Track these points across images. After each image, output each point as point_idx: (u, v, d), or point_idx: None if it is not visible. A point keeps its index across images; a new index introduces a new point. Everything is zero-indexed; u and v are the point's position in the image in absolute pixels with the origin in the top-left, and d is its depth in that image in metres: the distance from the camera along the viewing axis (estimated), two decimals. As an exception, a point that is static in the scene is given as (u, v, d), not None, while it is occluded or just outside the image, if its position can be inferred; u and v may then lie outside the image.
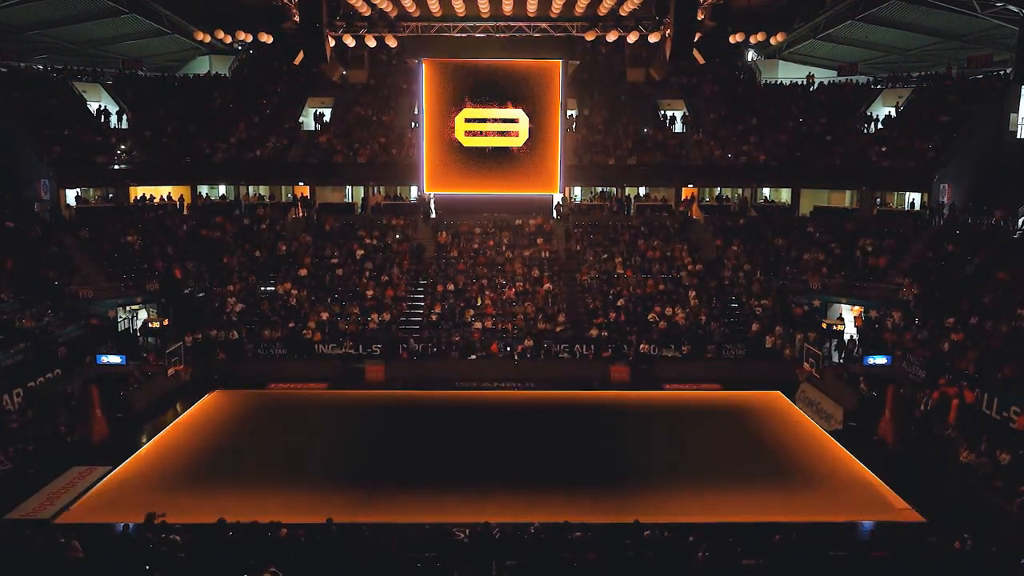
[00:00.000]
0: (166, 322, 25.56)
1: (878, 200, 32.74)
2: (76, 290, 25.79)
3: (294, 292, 27.34)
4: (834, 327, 25.50)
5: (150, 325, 25.83)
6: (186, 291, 28.07)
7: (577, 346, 25.15)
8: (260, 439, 19.43)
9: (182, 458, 18.02)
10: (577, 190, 35.12)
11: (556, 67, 30.69)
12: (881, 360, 19.09)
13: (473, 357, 24.90)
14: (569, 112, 34.24)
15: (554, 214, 33.23)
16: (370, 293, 27.49)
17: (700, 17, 18.84)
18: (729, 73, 39.94)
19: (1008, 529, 13.85)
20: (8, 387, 19.22)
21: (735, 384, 23.67)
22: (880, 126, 33.94)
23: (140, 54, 39.25)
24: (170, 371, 21.66)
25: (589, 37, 21.79)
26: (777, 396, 22.73)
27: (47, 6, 32.59)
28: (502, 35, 22.35)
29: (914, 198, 32.24)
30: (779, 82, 38.86)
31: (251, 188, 35.10)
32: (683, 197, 34.00)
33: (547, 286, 27.85)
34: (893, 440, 18.58)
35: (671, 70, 22.16)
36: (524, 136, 30.84)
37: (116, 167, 32.09)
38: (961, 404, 18.41)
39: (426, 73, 30.82)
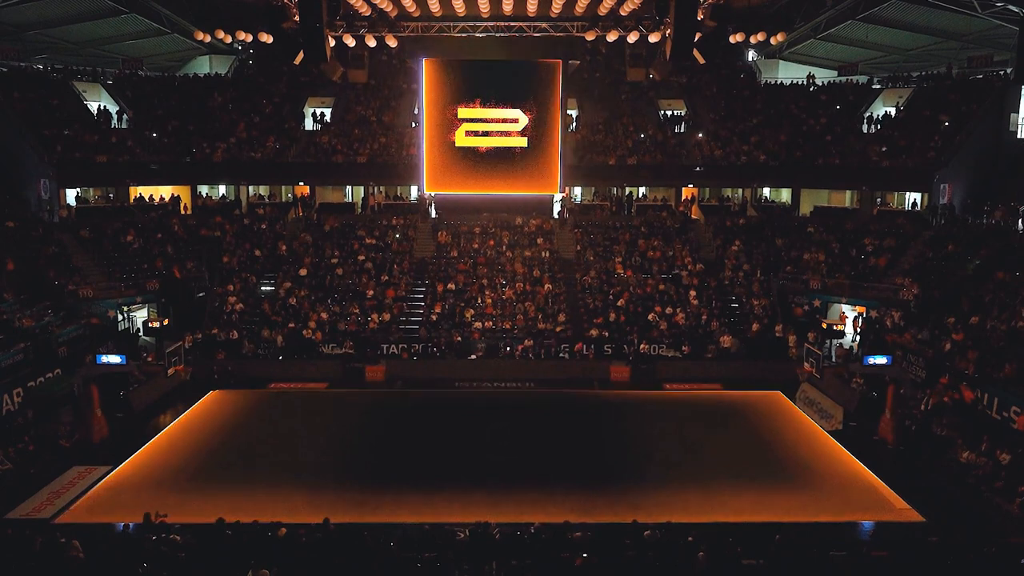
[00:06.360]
0: (166, 322, 25.55)
1: (878, 200, 32.75)
2: (76, 290, 25.76)
3: (294, 292, 27.33)
4: (834, 327, 25.51)
5: (150, 325, 25.84)
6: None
7: (577, 346, 25.12)
8: (260, 439, 19.42)
9: (182, 458, 18.00)
10: (577, 190, 35.13)
11: (556, 67, 30.72)
12: (881, 360, 19.02)
13: (473, 357, 24.90)
14: (569, 112, 34.26)
15: (555, 214, 33.24)
16: (370, 293, 27.49)
17: (700, 17, 18.86)
18: (729, 73, 39.94)
19: (1008, 529, 13.85)
20: (8, 387, 19.19)
21: (735, 384, 23.68)
22: (880, 126, 33.93)
23: (140, 54, 39.22)
24: (170, 371, 21.60)
25: (589, 37, 21.78)
26: (777, 396, 22.72)
27: (47, 6, 32.60)
28: (502, 35, 22.35)
29: (914, 198, 32.22)
30: (779, 82, 38.87)
31: (251, 188, 35.10)
32: (683, 197, 34.02)
33: (547, 286, 27.84)
34: (893, 440, 18.58)
35: (671, 70, 22.15)
36: (524, 136, 30.88)
37: (116, 167, 32.08)
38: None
39: (426, 72, 30.85)
